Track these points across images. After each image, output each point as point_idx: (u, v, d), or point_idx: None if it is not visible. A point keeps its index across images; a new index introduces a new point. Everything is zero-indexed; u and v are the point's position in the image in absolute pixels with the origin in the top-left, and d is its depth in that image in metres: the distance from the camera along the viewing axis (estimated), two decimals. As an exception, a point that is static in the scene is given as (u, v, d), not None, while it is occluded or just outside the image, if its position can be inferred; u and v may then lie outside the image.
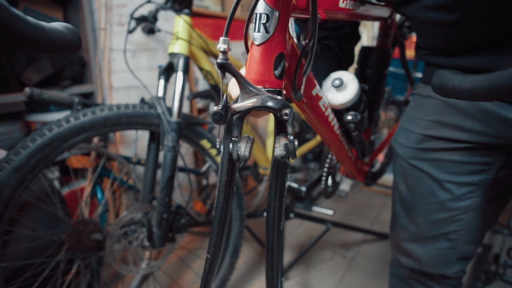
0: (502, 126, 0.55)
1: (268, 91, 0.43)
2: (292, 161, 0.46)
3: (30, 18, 0.27)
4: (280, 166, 0.45)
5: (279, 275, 0.52)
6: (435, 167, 0.66)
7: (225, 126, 0.43)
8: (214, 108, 0.40)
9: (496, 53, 0.50)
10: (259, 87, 0.42)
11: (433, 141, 0.65)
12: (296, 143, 0.41)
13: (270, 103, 0.40)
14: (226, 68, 0.39)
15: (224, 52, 0.39)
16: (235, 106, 0.41)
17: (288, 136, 0.41)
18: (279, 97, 0.41)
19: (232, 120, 0.42)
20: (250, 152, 0.41)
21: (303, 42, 0.45)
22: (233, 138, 0.42)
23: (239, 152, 0.41)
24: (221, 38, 0.38)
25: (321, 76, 0.75)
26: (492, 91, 0.33)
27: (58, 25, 0.30)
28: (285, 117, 0.41)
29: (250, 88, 0.41)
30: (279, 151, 0.40)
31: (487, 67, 0.51)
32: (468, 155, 0.62)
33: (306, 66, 0.48)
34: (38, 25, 0.27)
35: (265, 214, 0.49)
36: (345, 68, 0.86)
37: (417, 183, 0.70)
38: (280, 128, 0.44)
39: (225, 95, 0.40)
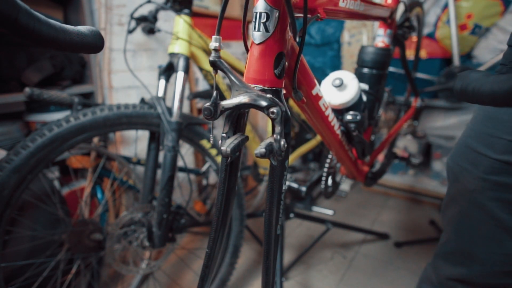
0: None
1: (266, 91, 0.43)
2: (275, 162, 0.45)
3: (51, 21, 0.30)
4: (274, 168, 0.45)
5: (274, 278, 0.51)
6: (510, 212, 0.50)
7: (224, 122, 0.43)
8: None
9: None
10: (252, 85, 0.43)
11: None
12: (282, 142, 0.40)
13: (257, 101, 0.40)
14: (217, 65, 0.40)
15: (216, 50, 0.39)
16: (224, 103, 0.41)
17: (275, 135, 0.41)
18: (268, 95, 0.41)
19: (230, 117, 0.43)
20: (234, 148, 0.41)
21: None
22: (222, 134, 0.43)
23: (222, 148, 0.41)
24: (213, 37, 0.39)
25: None
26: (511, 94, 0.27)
27: (83, 28, 0.33)
28: (271, 115, 0.40)
29: (240, 85, 0.41)
30: (259, 149, 0.39)
31: None
32: None
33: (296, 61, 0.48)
34: (60, 27, 0.31)
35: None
36: None
37: (479, 226, 0.55)
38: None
39: (215, 92, 0.40)
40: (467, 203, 0.56)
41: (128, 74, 1.36)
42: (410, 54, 1.66)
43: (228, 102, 0.41)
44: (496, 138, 0.50)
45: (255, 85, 0.43)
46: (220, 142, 0.43)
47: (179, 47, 0.96)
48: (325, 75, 0.84)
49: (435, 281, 0.70)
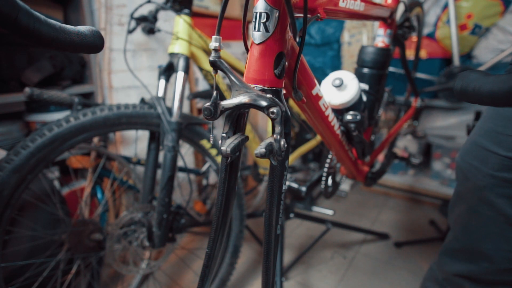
0: None
1: (266, 91, 0.43)
2: (275, 162, 0.45)
3: (52, 21, 0.30)
4: (274, 168, 0.45)
5: (274, 278, 0.52)
6: None
7: (224, 122, 0.43)
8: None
9: None
10: (252, 85, 0.43)
11: None
12: (282, 142, 0.40)
13: (257, 101, 0.40)
14: (217, 65, 0.40)
15: (216, 50, 0.39)
16: (224, 103, 0.42)
17: (275, 135, 0.41)
18: (268, 95, 0.41)
19: (230, 117, 0.43)
20: (234, 148, 0.41)
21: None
22: (222, 134, 0.43)
23: (222, 148, 0.41)
24: (213, 37, 0.39)
25: None
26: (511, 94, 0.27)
27: (83, 28, 0.33)
28: (271, 115, 0.40)
29: (240, 85, 0.41)
30: (259, 149, 0.39)
31: None
32: None
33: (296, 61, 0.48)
34: (60, 27, 0.31)
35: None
36: None
37: (487, 223, 0.56)
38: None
39: (215, 92, 0.40)
40: (476, 200, 0.56)
41: (128, 74, 1.36)
42: (410, 54, 1.66)
43: (228, 102, 0.41)
44: (506, 136, 0.51)
45: (255, 85, 0.43)
46: (220, 142, 0.43)
47: (179, 47, 0.96)
48: (325, 75, 0.84)
49: (440, 279, 0.70)
